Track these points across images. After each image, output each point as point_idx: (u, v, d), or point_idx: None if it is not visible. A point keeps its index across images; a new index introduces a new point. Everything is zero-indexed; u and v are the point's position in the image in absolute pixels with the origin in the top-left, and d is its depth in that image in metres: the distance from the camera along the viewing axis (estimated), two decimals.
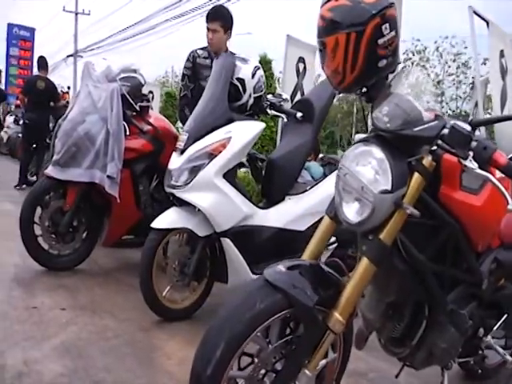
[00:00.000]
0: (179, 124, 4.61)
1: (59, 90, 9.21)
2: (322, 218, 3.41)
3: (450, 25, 49.09)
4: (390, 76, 1.79)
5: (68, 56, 31.81)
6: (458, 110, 21.67)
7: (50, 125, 8.48)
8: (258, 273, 3.12)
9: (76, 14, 30.78)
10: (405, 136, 1.62)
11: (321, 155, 4.27)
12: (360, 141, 1.78)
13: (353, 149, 1.75)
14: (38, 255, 3.85)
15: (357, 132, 25.55)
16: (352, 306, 1.67)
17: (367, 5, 1.67)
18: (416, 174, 1.62)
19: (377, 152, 1.63)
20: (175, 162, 3.06)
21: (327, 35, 1.71)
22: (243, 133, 3.04)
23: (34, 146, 8.49)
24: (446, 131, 1.59)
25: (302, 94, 5.60)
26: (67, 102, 9.41)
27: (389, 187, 1.57)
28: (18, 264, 4.02)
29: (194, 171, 2.96)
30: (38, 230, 3.87)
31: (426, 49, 22.15)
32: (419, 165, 1.63)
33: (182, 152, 3.03)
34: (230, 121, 3.04)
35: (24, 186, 8.40)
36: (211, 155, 2.95)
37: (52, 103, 8.23)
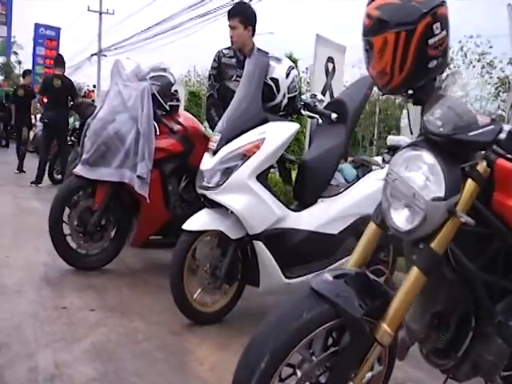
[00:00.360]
0: (205, 123, 4.57)
1: (85, 89, 9.27)
2: (355, 222, 3.44)
3: (473, 24, 48.34)
4: (441, 77, 1.73)
5: (92, 55, 32.20)
6: (482, 111, 21.31)
7: (76, 123, 8.57)
8: (290, 276, 3.08)
9: (100, 13, 31.14)
10: (459, 141, 1.53)
11: (350, 158, 4.19)
12: (408, 145, 1.70)
13: (401, 153, 1.68)
14: (67, 254, 3.84)
15: (379, 133, 25.33)
16: (401, 317, 1.60)
17: (418, 3, 1.60)
18: (470, 181, 1.54)
19: (428, 157, 1.56)
20: (207, 162, 3.02)
21: (374, 34, 1.65)
22: (277, 134, 2.98)
23: (56, 143, 8.56)
24: (502, 136, 1.51)
25: (331, 94, 5.51)
26: (93, 101, 9.49)
27: (442, 194, 1.50)
28: (46, 263, 4.01)
29: (227, 172, 2.91)
30: (66, 229, 3.86)
31: (449, 48, 21.77)
32: (473, 171, 1.54)
33: (215, 153, 2.98)
34: (264, 121, 2.98)
35: (40, 184, 8.44)
36: (245, 156, 2.89)
37: (71, 101, 8.29)
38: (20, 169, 9.92)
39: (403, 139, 4.32)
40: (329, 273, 1.64)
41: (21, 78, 12.10)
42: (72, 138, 8.69)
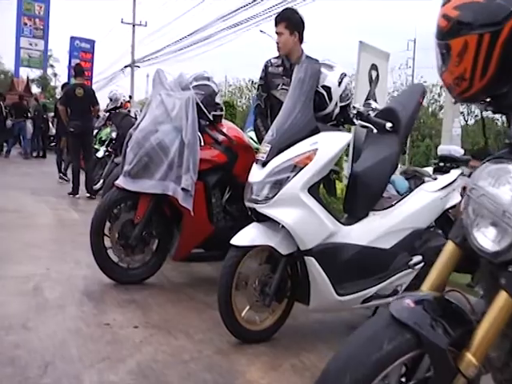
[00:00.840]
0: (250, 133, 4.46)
1: (121, 100, 9.27)
2: (408, 236, 3.26)
3: None
4: None
5: (125, 66, 32.64)
6: None
7: (113, 134, 8.58)
8: (341, 293, 2.94)
9: (133, 25, 31.58)
10: None
11: (401, 167, 4.02)
12: (492, 158, 1.53)
13: (484, 167, 1.51)
14: (108, 268, 3.75)
15: (412, 141, 24.87)
16: (487, 346, 1.44)
17: (504, 1, 1.43)
18: None
19: None
20: (256, 174, 2.89)
21: (453, 37, 1.48)
22: (330, 144, 2.85)
23: (82, 152, 8.56)
24: None
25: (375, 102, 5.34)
26: (129, 111, 9.50)
27: None
28: (86, 276, 3.94)
29: (278, 185, 2.78)
30: (107, 242, 3.77)
31: None
32: None
33: (264, 164, 2.85)
34: (316, 131, 2.85)
35: (77, 195, 8.41)
36: (296, 168, 2.76)
37: (92, 108, 8.45)
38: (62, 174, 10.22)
39: (455, 149, 4.11)
40: (408, 298, 1.48)
41: (57, 90, 12.24)
42: (108, 148, 8.72)
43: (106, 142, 8.97)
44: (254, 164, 2.97)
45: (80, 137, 8.27)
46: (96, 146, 10.11)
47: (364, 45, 5.39)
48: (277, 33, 3.66)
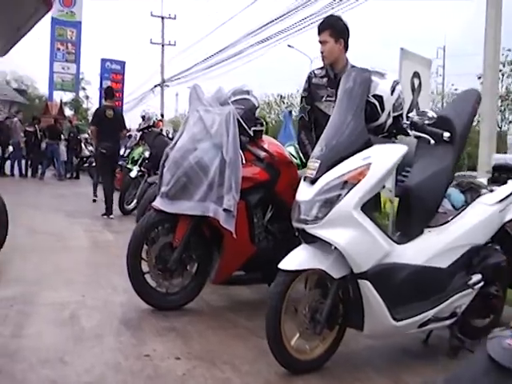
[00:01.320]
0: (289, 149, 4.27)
1: (154, 119, 9.22)
2: (466, 253, 3.00)
3: None
4: None
5: (155, 86, 33.00)
6: None
7: (146, 153, 8.51)
8: (398, 318, 2.71)
9: (162, 45, 31.96)
10: None
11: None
12: None
13: None
14: (145, 293, 3.57)
15: None
16: None
17: None
18: None
19: None
20: (305, 193, 2.68)
21: None
22: (384, 158, 2.63)
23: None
24: None
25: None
26: (161, 130, 9.43)
27: None
28: (123, 303, 3.77)
29: (329, 204, 2.57)
30: (144, 267, 3.60)
31: None
32: None
33: (313, 182, 2.65)
34: (368, 144, 2.64)
35: (112, 215, 8.35)
36: (348, 185, 2.55)
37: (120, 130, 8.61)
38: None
39: (511, 157, 3.84)
40: (509, 338, 1.25)
41: (89, 112, 12.32)
42: (141, 168, 8.64)
43: (139, 162, 8.89)
44: (302, 181, 2.77)
45: (109, 158, 8.40)
46: (129, 166, 10.10)
47: (405, 52, 5.13)
48: (320, 42, 3.46)
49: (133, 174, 8.59)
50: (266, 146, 3.64)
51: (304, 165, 4.17)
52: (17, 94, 47.37)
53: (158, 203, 3.44)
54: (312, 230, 2.63)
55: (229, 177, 3.26)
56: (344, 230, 2.56)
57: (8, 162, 15.85)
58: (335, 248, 2.58)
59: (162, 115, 14.05)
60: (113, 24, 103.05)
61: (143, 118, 9.16)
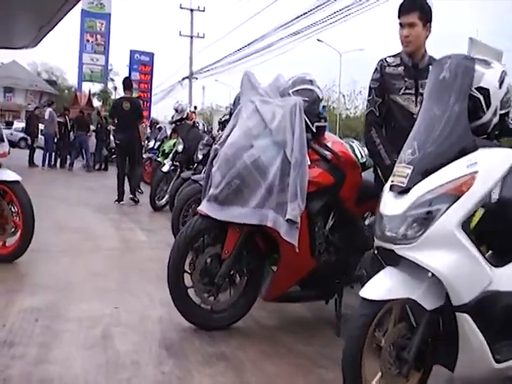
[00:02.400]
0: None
1: (187, 111, 8.79)
2: None
3: None
4: None
5: (183, 78, 32.78)
6: None
7: (179, 147, 8.07)
8: (500, 359, 2.21)
9: (191, 37, 31.72)
10: None
11: None
12: None
13: None
14: (188, 311, 3.12)
15: None
16: None
17: None
18: None
19: None
20: (392, 205, 2.19)
21: None
22: (493, 166, 2.12)
23: (129, 164, 8.81)
24: None
25: None
26: (194, 123, 8.98)
27: None
28: (162, 318, 3.32)
29: (425, 220, 2.07)
30: (187, 280, 3.14)
31: None
32: None
33: (403, 192, 2.15)
34: (473, 148, 2.12)
35: (122, 201, 8.68)
36: (450, 198, 2.04)
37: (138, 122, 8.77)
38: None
39: None
40: None
41: None
42: (174, 162, 8.21)
43: (171, 155, 8.48)
44: (387, 191, 2.27)
45: (124, 148, 8.61)
46: (159, 159, 9.72)
47: (475, 42, 4.60)
48: (405, 24, 2.93)
49: (165, 168, 8.17)
50: (329, 145, 3.14)
51: (364, 167, 3.67)
52: (47, 84, 48.00)
53: (205, 208, 2.97)
54: (402, 251, 2.13)
55: (294, 181, 2.77)
56: (444, 254, 2.05)
57: (38, 152, 15.66)
58: (432, 275, 2.08)
59: (196, 107, 13.56)
60: (142, 16, 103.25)
61: (176, 109, 8.74)
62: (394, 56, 3.10)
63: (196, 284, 3.10)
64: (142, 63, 28.06)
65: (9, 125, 34.43)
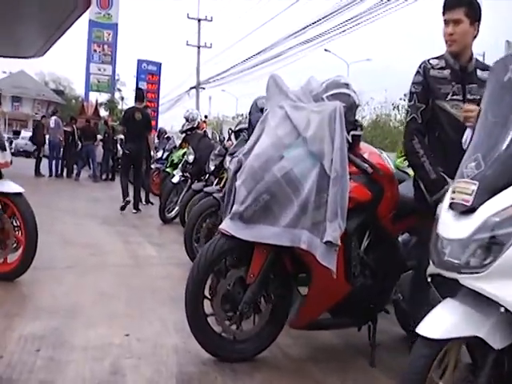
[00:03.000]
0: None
1: (198, 119, 8.51)
2: None
3: None
4: None
5: (191, 88, 32.65)
6: None
7: (190, 157, 7.75)
8: None
9: (198, 47, 31.66)
10: None
11: None
12: None
13: None
14: (208, 341, 2.79)
15: None
16: None
17: None
18: None
19: None
20: (454, 227, 1.86)
21: None
22: None
23: (133, 173, 9.09)
24: None
25: None
26: (205, 132, 8.70)
27: None
28: (178, 348, 2.98)
29: (496, 245, 1.74)
30: (207, 306, 2.82)
31: None
32: None
33: (468, 212, 1.82)
34: None
35: (128, 198, 8.64)
36: None
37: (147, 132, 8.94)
38: (147, 200, 10.20)
39: None
40: None
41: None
42: (184, 173, 7.90)
43: (180, 166, 8.17)
44: (446, 211, 1.94)
45: (132, 158, 8.73)
46: (168, 170, 9.44)
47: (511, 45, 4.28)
48: (450, 21, 2.61)
49: (175, 179, 7.85)
50: (366, 156, 2.82)
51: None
52: (54, 94, 48.14)
53: (228, 227, 2.64)
54: (468, 281, 1.80)
55: (334, 198, 2.44)
56: None
57: (44, 162, 15.42)
58: (506, 310, 1.75)
59: (206, 116, 13.25)
60: (149, 26, 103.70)
61: (187, 118, 8.45)
62: (437, 58, 2.79)
63: (217, 311, 2.77)
64: (150, 73, 27.99)
65: (16, 134, 34.49)
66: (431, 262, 2.00)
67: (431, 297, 2.82)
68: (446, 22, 2.64)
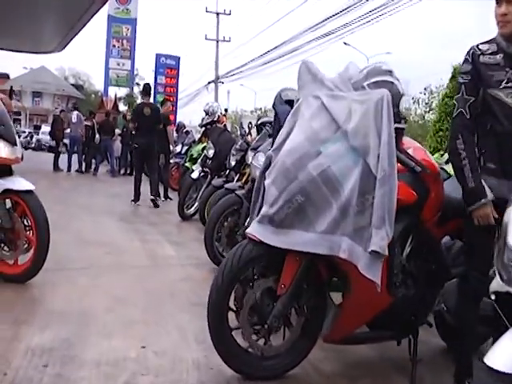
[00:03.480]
0: None
1: (218, 113, 8.23)
2: None
3: None
4: None
5: (209, 82, 32.47)
6: None
7: (210, 152, 7.47)
8: None
9: (217, 41, 31.46)
10: None
11: None
12: None
13: None
14: (233, 356, 2.51)
15: None
16: None
17: None
18: None
19: None
20: None
21: None
22: None
23: (147, 168, 9.26)
24: None
25: None
26: (225, 126, 8.44)
27: None
28: (199, 363, 2.71)
29: None
30: (232, 319, 2.54)
31: None
32: None
33: None
34: None
35: (138, 202, 8.81)
36: None
37: (158, 126, 8.99)
38: (166, 195, 9.95)
39: None
40: None
41: None
42: (204, 168, 7.63)
43: (200, 161, 7.91)
44: None
45: (142, 152, 8.80)
46: (187, 164, 9.21)
47: None
48: (500, 1, 2.29)
49: (194, 175, 7.58)
50: (411, 152, 2.50)
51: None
52: (74, 89, 48.41)
53: (257, 231, 2.34)
54: None
55: (381, 200, 2.13)
56: None
57: (62, 157, 15.31)
58: None
59: (226, 110, 12.94)
60: (168, 20, 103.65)
61: (207, 112, 8.18)
62: (487, 42, 2.45)
63: (243, 324, 2.48)
64: (168, 67, 27.85)
65: (37, 128, 34.78)
66: (497, 277, 1.70)
67: (481, 309, 2.53)
68: (499, 1, 2.31)
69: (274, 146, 2.51)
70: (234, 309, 2.50)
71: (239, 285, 2.47)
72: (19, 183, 3.63)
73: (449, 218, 2.72)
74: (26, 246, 3.76)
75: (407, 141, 2.67)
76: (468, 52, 2.46)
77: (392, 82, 2.46)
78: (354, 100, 2.28)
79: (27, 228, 3.75)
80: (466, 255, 2.68)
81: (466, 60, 2.46)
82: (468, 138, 2.40)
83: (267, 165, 2.48)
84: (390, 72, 2.50)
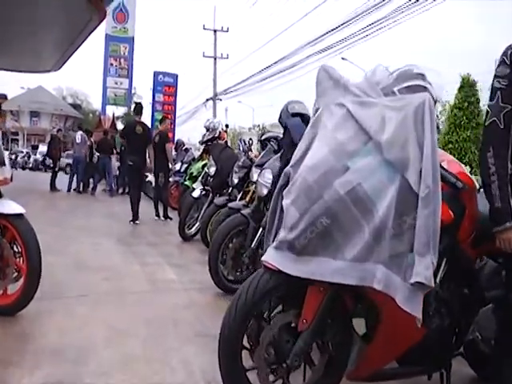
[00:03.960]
0: None
1: (219, 129, 7.99)
2: None
3: None
4: None
5: (207, 99, 32.42)
6: None
7: (211, 169, 7.20)
8: None
9: (215, 58, 31.47)
10: None
11: None
12: None
13: None
14: None
15: None
16: None
17: None
18: None
19: None
20: None
21: None
22: None
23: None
24: None
25: None
26: (226, 142, 8.20)
27: None
28: None
29: None
30: (246, 359, 2.23)
31: None
32: None
33: None
34: None
35: (137, 221, 8.79)
36: None
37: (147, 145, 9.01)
38: (165, 215, 9.59)
39: None
40: None
41: None
42: (205, 187, 7.35)
43: (200, 179, 7.66)
44: None
45: (137, 170, 8.92)
46: (186, 183, 8.94)
47: None
48: None
49: (195, 193, 7.31)
50: (445, 165, 2.21)
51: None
52: (72, 108, 48.45)
53: (274, 259, 2.05)
54: None
55: (425, 223, 1.84)
56: None
57: (59, 177, 15.05)
58: None
59: (227, 125, 12.69)
60: (165, 38, 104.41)
61: (208, 128, 7.95)
62: None
63: (259, 364, 2.17)
64: (166, 84, 27.69)
65: (34, 148, 34.67)
66: None
67: None
68: None
69: (292, 162, 2.22)
70: (248, 346, 2.20)
71: (254, 320, 2.16)
72: (8, 206, 3.35)
73: (484, 237, 2.44)
74: (15, 274, 3.46)
75: (440, 153, 2.39)
76: (505, 52, 2.18)
77: (425, 87, 2.17)
78: (388, 106, 1.99)
79: (17, 255, 3.45)
80: (504, 278, 2.40)
81: (502, 62, 2.18)
82: (500, 151, 2.12)
83: (285, 183, 2.19)
84: (422, 75, 2.22)
